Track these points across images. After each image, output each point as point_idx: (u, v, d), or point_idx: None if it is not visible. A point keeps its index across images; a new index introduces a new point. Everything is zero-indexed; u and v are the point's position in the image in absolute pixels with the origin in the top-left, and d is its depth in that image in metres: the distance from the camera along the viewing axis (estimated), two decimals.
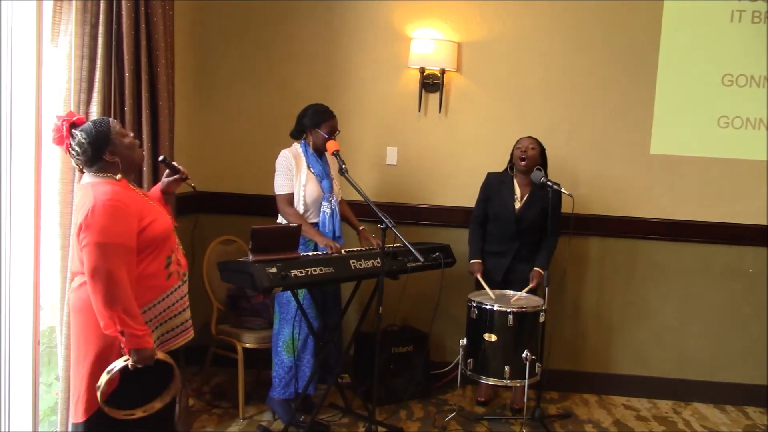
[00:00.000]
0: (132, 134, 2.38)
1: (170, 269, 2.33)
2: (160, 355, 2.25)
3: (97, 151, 2.22)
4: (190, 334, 2.47)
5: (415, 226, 4.11)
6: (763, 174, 4.07)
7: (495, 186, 3.75)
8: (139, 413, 2.25)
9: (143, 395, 2.29)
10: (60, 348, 2.74)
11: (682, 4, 4.02)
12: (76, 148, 2.23)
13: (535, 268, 3.63)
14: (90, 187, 2.23)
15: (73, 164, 2.33)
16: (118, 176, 2.27)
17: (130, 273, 2.18)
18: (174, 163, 2.56)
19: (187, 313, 2.44)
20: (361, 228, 3.60)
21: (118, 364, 2.18)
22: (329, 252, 3.25)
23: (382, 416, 3.60)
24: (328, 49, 4.14)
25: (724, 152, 4.08)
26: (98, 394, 2.17)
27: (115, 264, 2.12)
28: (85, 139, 2.21)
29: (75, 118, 2.27)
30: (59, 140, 2.25)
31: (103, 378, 2.17)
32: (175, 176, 2.53)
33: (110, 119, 2.32)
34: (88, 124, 2.26)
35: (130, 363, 2.17)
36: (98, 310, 2.14)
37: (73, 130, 2.23)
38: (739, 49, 4.02)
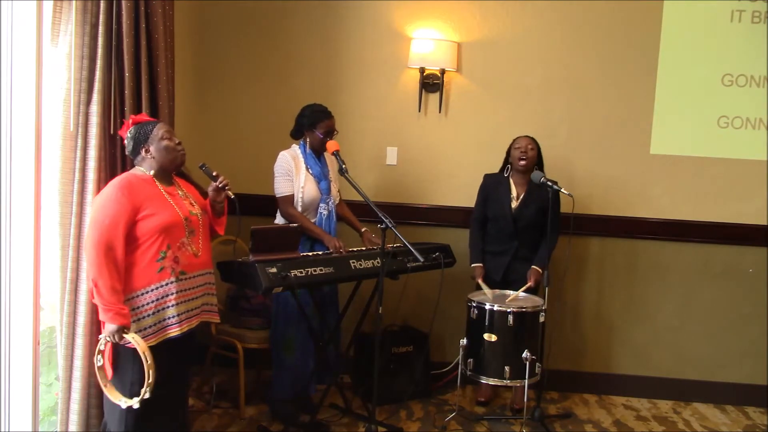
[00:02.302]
0: (177, 140, 2.62)
1: (163, 263, 2.48)
2: (131, 337, 2.37)
3: (137, 145, 2.57)
4: (194, 322, 2.60)
5: (415, 226, 4.11)
6: (763, 174, 4.07)
7: (492, 187, 3.75)
8: (134, 402, 2.41)
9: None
10: (60, 348, 2.74)
11: (682, 4, 4.02)
12: (125, 140, 2.60)
13: (533, 267, 3.63)
14: (120, 174, 2.59)
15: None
16: (152, 172, 2.56)
17: (116, 254, 2.38)
18: (214, 172, 2.70)
19: (183, 307, 2.54)
20: (363, 230, 3.60)
21: (101, 340, 2.42)
22: (334, 252, 3.25)
23: (382, 416, 3.60)
24: (328, 49, 4.15)
25: (724, 152, 4.08)
26: (98, 374, 2.43)
27: (98, 240, 2.37)
28: (132, 133, 2.58)
29: (140, 119, 2.63)
30: (122, 132, 2.63)
31: (97, 357, 2.42)
32: (213, 184, 2.68)
33: (161, 123, 2.64)
34: (141, 123, 2.59)
35: (102, 337, 2.40)
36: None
37: (132, 126, 2.59)
38: (739, 49, 4.02)
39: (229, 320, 3.74)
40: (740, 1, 4.00)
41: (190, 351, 2.76)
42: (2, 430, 2.63)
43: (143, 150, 2.56)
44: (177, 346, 2.56)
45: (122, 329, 2.37)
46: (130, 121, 2.61)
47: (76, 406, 2.73)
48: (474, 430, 3.61)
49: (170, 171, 2.63)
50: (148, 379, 2.35)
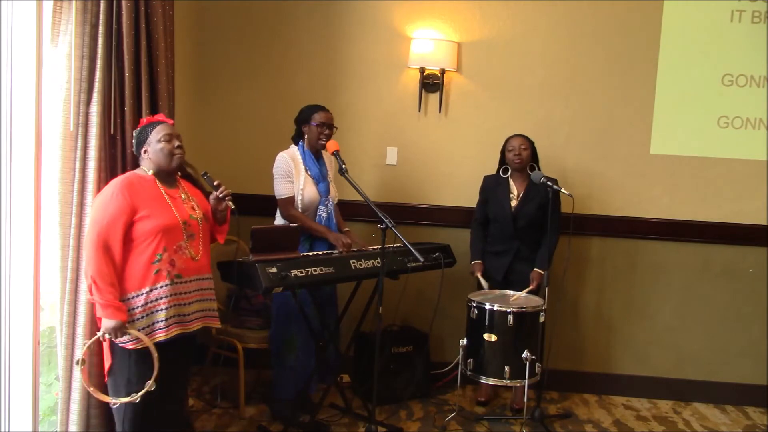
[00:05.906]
0: (176, 144, 2.61)
1: (159, 266, 2.49)
2: (135, 333, 2.43)
3: (138, 146, 2.63)
4: (192, 327, 2.62)
5: (415, 226, 4.11)
6: (763, 174, 4.07)
7: (491, 188, 3.76)
8: (136, 397, 2.45)
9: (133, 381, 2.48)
10: (60, 348, 2.74)
11: (682, 4, 4.02)
12: (133, 139, 2.66)
13: (535, 269, 3.63)
14: (123, 174, 2.63)
15: None
16: (151, 172, 2.59)
17: (113, 252, 2.42)
18: (215, 181, 2.69)
19: (173, 311, 2.53)
20: (345, 230, 3.60)
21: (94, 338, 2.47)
22: (340, 249, 3.25)
23: (382, 416, 3.61)
24: (328, 49, 4.15)
25: (724, 152, 4.08)
26: (79, 369, 2.49)
27: (96, 238, 2.41)
28: (136, 133, 2.64)
29: (150, 119, 2.67)
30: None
31: (82, 351, 2.50)
32: (214, 193, 2.68)
33: (162, 125, 2.62)
34: (146, 124, 2.64)
35: (100, 334, 2.43)
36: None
37: (140, 126, 2.64)
38: (739, 49, 4.03)
39: (229, 320, 3.74)
40: (740, 1, 4.00)
41: (187, 354, 2.74)
42: (2, 430, 2.63)
43: (143, 151, 2.61)
44: (171, 348, 2.54)
45: (122, 325, 2.40)
46: (145, 120, 2.67)
47: (76, 406, 2.73)
48: (474, 430, 3.61)
49: (168, 173, 2.64)
50: (155, 372, 2.41)
